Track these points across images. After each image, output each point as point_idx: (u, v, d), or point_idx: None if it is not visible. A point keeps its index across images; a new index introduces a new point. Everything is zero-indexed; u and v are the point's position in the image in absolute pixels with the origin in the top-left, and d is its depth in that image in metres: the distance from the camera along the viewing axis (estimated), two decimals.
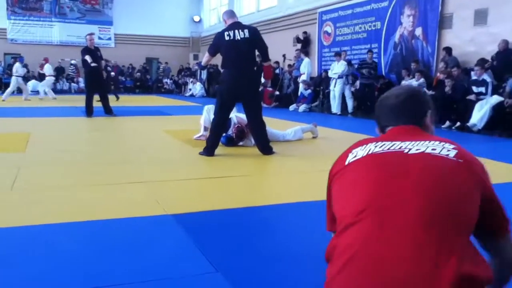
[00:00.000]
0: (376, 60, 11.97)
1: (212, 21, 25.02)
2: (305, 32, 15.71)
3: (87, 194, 3.57)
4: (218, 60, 5.78)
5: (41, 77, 21.40)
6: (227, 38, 5.20)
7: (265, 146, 5.44)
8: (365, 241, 1.11)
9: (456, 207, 1.14)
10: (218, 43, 5.33)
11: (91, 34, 10.44)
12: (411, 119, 1.39)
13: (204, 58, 5.64)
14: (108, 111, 10.03)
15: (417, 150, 1.24)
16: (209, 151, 5.30)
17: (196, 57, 25.27)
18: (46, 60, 16.84)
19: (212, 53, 5.47)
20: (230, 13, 5.52)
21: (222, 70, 5.51)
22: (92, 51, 9.82)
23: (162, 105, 14.32)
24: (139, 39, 25.11)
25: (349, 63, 11.98)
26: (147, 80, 24.59)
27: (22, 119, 9.47)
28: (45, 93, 16.85)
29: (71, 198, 3.43)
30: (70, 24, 24.42)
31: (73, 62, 18.23)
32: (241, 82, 5.23)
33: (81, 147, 5.92)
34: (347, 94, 11.74)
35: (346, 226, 1.18)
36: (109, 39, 24.98)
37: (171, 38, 26.02)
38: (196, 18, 26.37)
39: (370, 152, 1.28)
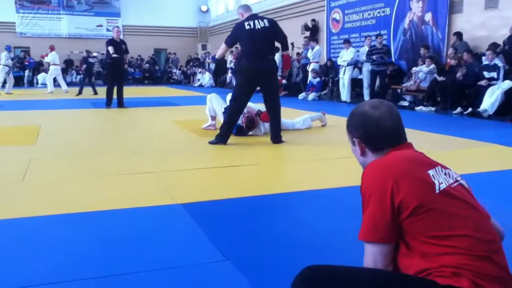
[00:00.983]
0: (386, 43, 11.65)
1: (220, 10, 24.91)
2: (313, 20, 15.58)
3: (98, 184, 3.60)
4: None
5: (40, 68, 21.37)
6: (247, 27, 5.24)
7: (277, 134, 5.52)
8: None
9: None
10: (237, 34, 5.36)
11: (117, 27, 10.75)
12: (404, 137, 1.54)
13: (220, 50, 5.63)
14: (120, 104, 10.11)
15: (456, 181, 1.42)
16: (222, 138, 5.34)
17: (204, 47, 25.21)
18: (52, 48, 15.66)
19: (230, 44, 5.52)
20: (247, 7, 5.61)
21: (241, 59, 5.53)
22: (117, 43, 9.93)
23: (171, 96, 14.33)
24: (147, 30, 25.10)
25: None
26: (155, 71, 24.61)
27: (33, 111, 9.53)
28: (54, 85, 15.74)
29: (81, 189, 3.45)
30: (78, 16, 24.47)
31: (95, 54, 17.24)
32: (261, 70, 5.29)
33: (91, 139, 5.95)
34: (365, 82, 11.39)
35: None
36: (113, 30, 24.93)
37: (178, 28, 25.97)
38: (204, 8, 26.27)
39: (442, 188, 1.37)
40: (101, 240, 2.44)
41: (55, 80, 15.86)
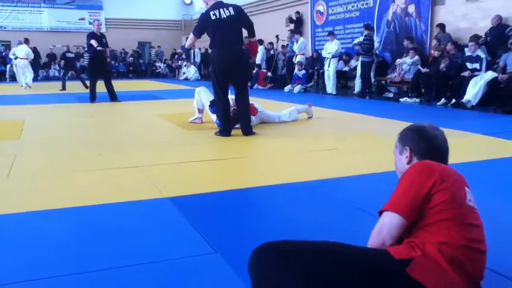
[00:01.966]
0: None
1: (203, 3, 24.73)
2: (297, 12, 15.58)
3: (83, 179, 3.57)
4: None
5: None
6: (213, 17, 5.19)
7: (247, 125, 5.51)
8: None
9: None
10: (203, 24, 5.32)
11: (98, 20, 10.61)
12: (447, 162, 1.70)
13: (189, 40, 5.62)
14: (113, 97, 10.01)
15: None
16: (225, 132, 5.41)
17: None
18: (26, 42, 15.00)
19: (197, 35, 5.47)
20: None
21: (210, 51, 5.49)
22: (98, 36, 9.80)
23: (156, 89, 14.24)
24: (130, 23, 24.84)
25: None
26: (140, 64, 24.39)
27: (16, 106, 9.40)
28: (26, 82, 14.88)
29: (67, 184, 3.43)
30: (60, 9, 24.11)
31: (73, 50, 16.84)
32: (230, 60, 5.25)
33: (76, 133, 5.89)
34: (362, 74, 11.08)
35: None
36: (93, 23, 24.63)
37: (162, 21, 25.76)
38: (187, 1, 26.11)
39: (470, 204, 1.54)
40: (88, 235, 2.43)
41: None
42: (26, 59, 14.92)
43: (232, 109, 5.81)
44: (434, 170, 1.53)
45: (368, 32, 10.73)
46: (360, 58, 10.92)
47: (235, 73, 5.33)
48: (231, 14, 5.22)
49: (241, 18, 5.33)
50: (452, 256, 1.40)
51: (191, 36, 5.50)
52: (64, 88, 14.16)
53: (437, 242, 1.43)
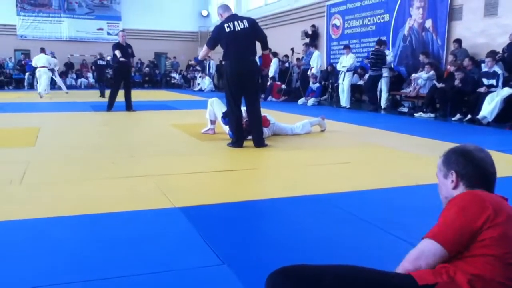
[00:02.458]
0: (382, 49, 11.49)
1: None
2: (313, 26, 15.62)
3: (95, 187, 3.59)
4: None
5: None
6: (227, 30, 5.24)
7: (259, 137, 5.51)
8: None
9: None
10: (218, 36, 5.37)
11: (123, 31, 10.75)
12: (494, 186, 1.63)
13: (202, 52, 5.67)
14: (128, 106, 10.13)
15: None
16: (237, 143, 5.43)
17: None
18: (42, 51, 15.58)
19: (211, 46, 5.52)
20: (225, 7, 5.58)
21: (223, 62, 5.53)
22: (123, 47, 9.93)
23: (171, 100, 14.35)
24: (147, 34, 25.12)
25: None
26: (155, 75, 24.63)
27: (33, 114, 9.54)
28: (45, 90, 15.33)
29: (79, 192, 3.45)
30: (79, 19, 24.50)
31: (107, 58, 17.27)
32: (242, 72, 5.28)
33: (90, 142, 5.95)
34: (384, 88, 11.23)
35: None
36: (118, 34, 25.00)
37: (179, 32, 26.01)
38: (204, 13, 26.33)
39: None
40: (98, 242, 2.44)
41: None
42: (46, 67, 15.23)
43: (244, 120, 5.82)
44: (487, 204, 1.45)
45: (377, 47, 10.74)
46: (369, 72, 10.96)
47: (248, 84, 5.37)
48: (245, 26, 5.27)
49: (255, 31, 5.38)
50: None
51: (204, 48, 5.56)
52: (103, 95, 14.55)
53: (471, 274, 1.39)
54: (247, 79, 5.32)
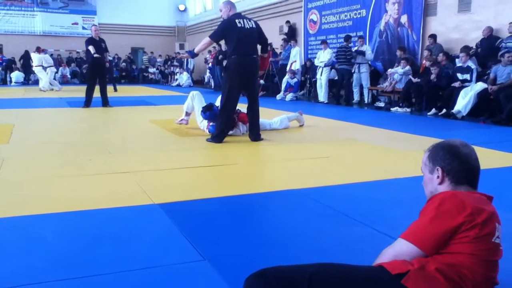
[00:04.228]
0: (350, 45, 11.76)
1: (198, 10, 24.79)
2: (288, 22, 15.65)
3: (73, 185, 3.54)
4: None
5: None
6: (239, 25, 5.27)
7: (257, 132, 5.63)
8: None
9: None
10: (226, 29, 5.35)
11: (95, 25, 10.67)
12: (478, 182, 1.65)
13: (201, 44, 5.53)
14: (105, 103, 9.98)
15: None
16: (218, 138, 5.41)
17: (182, 46, 25.04)
18: (37, 50, 16.37)
19: (216, 39, 5.51)
20: (232, 4, 5.60)
21: (229, 58, 5.50)
22: (96, 41, 9.74)
23: (148, 95, 14.21)
24: (124, 29, 24.80)
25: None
26: (132, 70, 24.33)
27: (6, 110, 9.32)
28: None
29: (57, 189, 3.40)
30: (53, 14, 23.99)
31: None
32: (248, 69, 5.38)
33: (65, 138, 5.85)
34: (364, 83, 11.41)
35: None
36: (91, 29, 24.57)
37: (156, 27, 25.75)
38: (181, 7, 26.11)
39: (497, 241, 1.53)
40: (78, 240, 2.41)
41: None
42: (40, 66, 15.74)
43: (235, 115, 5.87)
44: (467, 206, 1.48)
45: (345, 43, 11.36)
46: (337, 66, 11.45)
47: (251, 82, 5.49)
48: (253, 26, 5.41)
49: (259, 33, 5.53)
50: (453, 277, 1.41)
51: (206, 40, 5.44)
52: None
53: (444, 263, 1.43)
54: (251, 76, 5.46)
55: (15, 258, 2.18)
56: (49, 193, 3.30)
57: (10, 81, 20.84)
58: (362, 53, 10.99)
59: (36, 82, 18.28)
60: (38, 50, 16.43)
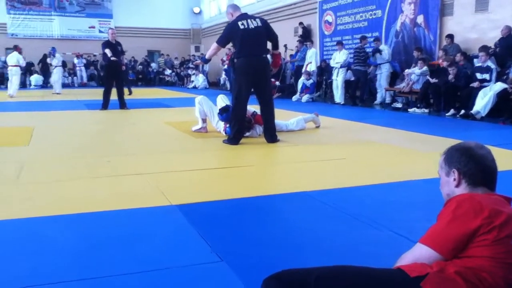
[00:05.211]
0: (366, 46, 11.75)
1: (213, 12, 24.90)
2: (301, 23, 15.61)
3: (91, 186, 3.59)
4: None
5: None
6: (241, 27, 5.27)
7: (273, 133, 5.58)
8: None
9: None
10: (230, 33, 5.38)
11: (112, 28, 10.65)
12: (496, 184, 1.64)
13: (210, 50, 5.61)
14: (122, 104, 10.11)
15: None
16: (234, 140, 5.42)
17: (197, 48, 25.18)
18: (17, 49, 14.71)
19: (223, 44, 5.52)
20: (236, 6, 5.64)
21: (236, 60, 5.53)
22: (113, 45, 9.85)
23: (164, 97, 14.32)
24: (140, 32, 25.01)
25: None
26: (149, 72, 24.53)
27: (26, 113, 9.48)
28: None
29: (75, 191, 3.44)
30: (70, 17, 24.32)
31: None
32: (257, 69, 5.35)
33: (84, 140, 5.93)
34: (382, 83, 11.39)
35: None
36: (108, 32, 24.81)
37: (171, 30, 25.91)
38: (196, 10, 26.23)
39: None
40: (96, 241, 2.44)
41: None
42: (17, 66, 14.49)
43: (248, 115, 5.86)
44: (484, 208, 1.46)
45: (360, 44, 11.29)
46: (352, 67, 11.38)
47: (261, 82, 5.44)
48: (258, 25, 5.35)
49: (267, 30, 5.47)
50: (472, 280, 1.40)
51: (214, 46, 5.50)
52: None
53: (463, 266, 1.42)
54: (260, 76, 5.40)
55: (29, 258, 2.22)
56: (68, 194, 3.34)
57: (30, 84, 21.18)
58: (379, 51, 10.94)
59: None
60: (18, 49, 14.85)
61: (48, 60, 15.97)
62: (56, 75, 16.31)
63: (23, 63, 14.87)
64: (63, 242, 2.42)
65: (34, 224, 2.71)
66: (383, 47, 11.13)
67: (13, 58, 14.43)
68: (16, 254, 2.27)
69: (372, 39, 11.51)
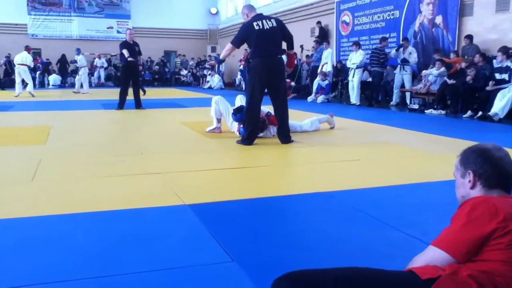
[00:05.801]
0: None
1: (230, 13, 24.96)
2: (319, 22, 15.53)
3: (106, 185, 3.62)
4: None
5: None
6: (256, 27, 5.27)
7: (287, 134, 5.56)
8: None
9: None
10: (246, 34, 5.38)
11: (130, 28, 10.72)
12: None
13: (225, 50, 5.61)
14: (138, 104, 10.20)
15: None
16: (248, 141, 5.41)
17: (213, 49, 25.28)
18: (27, 49, 14.78)
19: (237, 44, 5.51)
20: (251, 7, 5.64)
21: (251, 60, 5.52)
22: (130, 45, 9.93)
23: (180, 98, 14.39)
24: (157, 32, 25.20)
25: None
26: (165, 73, 24.70)
27: (43, 112, 9.62)
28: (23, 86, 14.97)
29: (90, 189, 3.47)
30: (89, 18, 24.63)
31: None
32: (272, 69, 5.34)
33: (100, 139, 5.99)
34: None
35: None
36: (126, 32, 25.04)
37: (188, 30, 26.06)
38: (213, 10, 26.34)
39: None
40: (108, 239, 2.45)
41: (23, 81, 14.78)
42: (25, 65, 14.43)
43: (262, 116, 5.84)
44: (499, 211, 1.43)
45: (379, 45, 11.26)
46: (369, 68, 11.41)
47: (276, 83, 5.43)
48: (274, 25, 5.34)
49: (282, 30, 5.46)
50: (487, 284, 1.37)
51: (228, 46, 5.50)
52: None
53: (477, 270, 1.39)
54: (275, 77, 5.39)
55: (44, 256, 2.24)
56: (83, 193, 3.37)
57: (48, 84, 21.50)
58: (406, 61, 10.73)
59: (72, 85, 18.81)
60: (27, 48, 14.90)
61: (76, 57, 16.13)
62: (83, 76, 16.52)
63: (30, 63, 14.91)
64: (77, 240, 2.44)
65: (50, 222, 2.74)
66: (411, 49, 10.93)
67: (20, 57, 14.44)
68: (33, 252, 2.29)
69: (392, 39, 11.41)
